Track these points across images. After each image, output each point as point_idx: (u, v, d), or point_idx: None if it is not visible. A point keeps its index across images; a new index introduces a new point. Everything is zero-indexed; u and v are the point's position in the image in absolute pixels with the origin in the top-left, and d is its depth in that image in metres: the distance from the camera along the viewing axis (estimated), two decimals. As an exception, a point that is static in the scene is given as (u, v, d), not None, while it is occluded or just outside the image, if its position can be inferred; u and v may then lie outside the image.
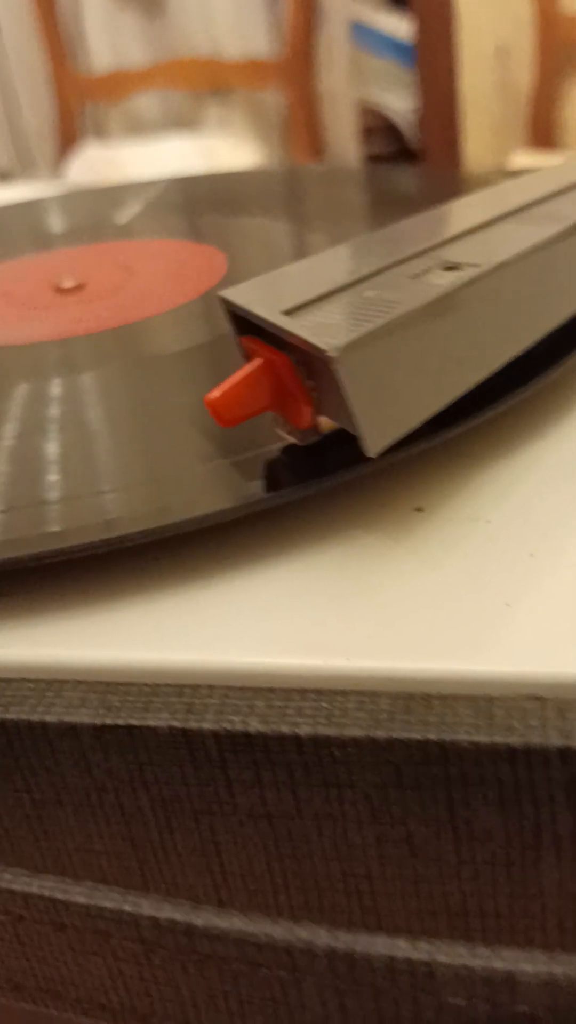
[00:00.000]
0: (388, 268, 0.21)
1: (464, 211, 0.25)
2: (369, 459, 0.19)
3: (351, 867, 0.16)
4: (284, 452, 0.20)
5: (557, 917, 0.16)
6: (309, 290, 0.20)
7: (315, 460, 0.20)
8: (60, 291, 0.32)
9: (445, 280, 0.20)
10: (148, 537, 0.18)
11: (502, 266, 0.20)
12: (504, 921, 0.16)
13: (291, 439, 0.20)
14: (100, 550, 0.18)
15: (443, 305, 0.19)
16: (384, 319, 0.18)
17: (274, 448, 0.21)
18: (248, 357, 0.20)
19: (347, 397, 0.17)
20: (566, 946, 0.16)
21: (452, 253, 0.21)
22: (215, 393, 0.19)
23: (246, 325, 0.20)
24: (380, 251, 0.22)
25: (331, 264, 0.21)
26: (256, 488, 0.19)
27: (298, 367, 0.19)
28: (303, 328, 0.18)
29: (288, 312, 0.19)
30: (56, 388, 0.25)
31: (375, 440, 0.18)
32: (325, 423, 0.20)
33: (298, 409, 0.19)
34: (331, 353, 0.17)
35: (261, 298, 0.20)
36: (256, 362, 0.19)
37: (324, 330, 0.18)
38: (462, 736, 0.15)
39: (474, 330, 0.20)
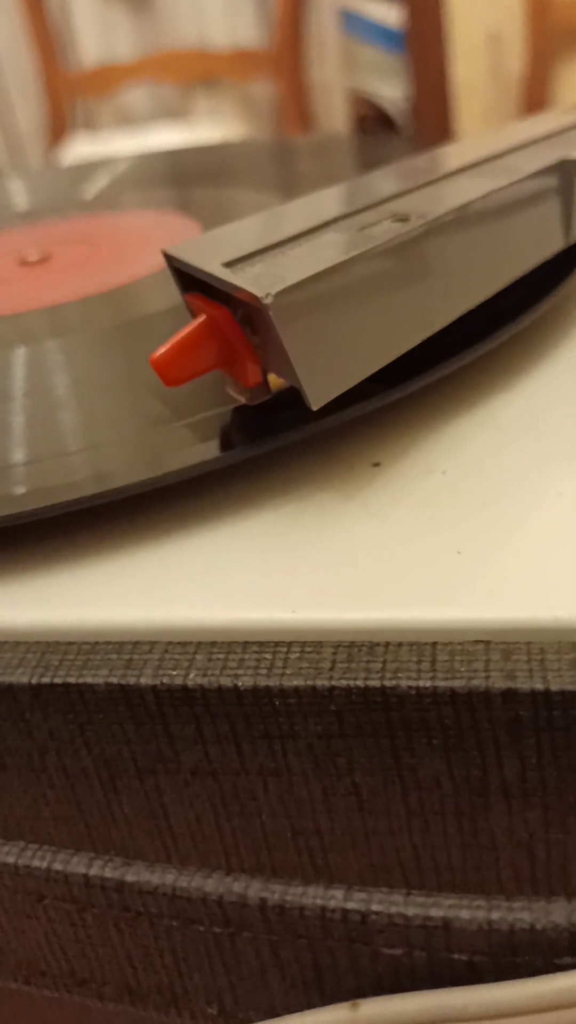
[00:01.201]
0: (339, 220, 0.20)
1: (427, 164, 0.24)
2: (320, 418, 0.19)
3: (300, 823, 0.16)
4: (235, 413, 0.20)
5: (512, 867, 0.15)
6: (255, 243, 0.19)
7: (268, 420, 0.19)
8: (25, 264, 0.32)
9: (392, 230, 0.19)
10: (87, 503, 0.18)
11: (447, 216, 0.20)
12: (458, 874, 0.16)
13: (241, 399, 0.20)
14: (40, 516, 0.18)
15: (386, 254, 0.18)
16: (322, 267, 0.17)
17: (228, 409, 0.20)
18: (194, 314, 0.19)
19: (285, 346, 0.17)
20: (512, 892, 0.15)
21: (405, 205, 0.21)
22: (159, 351, 0.18)
23: (192, 282, 0.19)
24: (334, 204, 0.21)
25: (283, 218, 0.21)
26: (206, 450, 0.19)
27: (243, 323, 0.18)
28: (240, 278, 0.17)
29: (229, 264, 0.18)
30: (16, 358, 0.25)
31: (318, 393, 0.18)
32: (274, 381, 0.19)
33: (244, 366, 0.19)
34: (265, 300, 0.16)
35: (205, 252, 0.19)
36: (200, 319, 0.18)
37: (262, 279, 0.17)
38: (404, 681, 0.14)
39: (423, 282, 0.19)
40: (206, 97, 1.27)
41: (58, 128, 1.27)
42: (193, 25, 1.24)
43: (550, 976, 0.15)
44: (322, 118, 1.27)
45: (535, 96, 1.23)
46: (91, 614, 0.17)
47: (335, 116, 1.28)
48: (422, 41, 1.22)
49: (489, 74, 1.25)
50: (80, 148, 1.11)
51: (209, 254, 0.19)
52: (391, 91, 1.31)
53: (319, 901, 0.16)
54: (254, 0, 1.23)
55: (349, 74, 1.29)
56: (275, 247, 0.19)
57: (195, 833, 0.17)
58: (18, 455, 0.20)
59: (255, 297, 0.17)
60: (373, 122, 1.33)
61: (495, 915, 0.15)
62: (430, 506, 0.18)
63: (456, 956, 0.15)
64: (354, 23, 1.28)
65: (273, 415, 0.19)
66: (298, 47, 1.22)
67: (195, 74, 1.24)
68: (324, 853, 0.16)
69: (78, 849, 0.17)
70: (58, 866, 0.17)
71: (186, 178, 0.43)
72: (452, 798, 0.15)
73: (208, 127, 1.20)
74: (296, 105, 1.22)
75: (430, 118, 1.26)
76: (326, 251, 0.18)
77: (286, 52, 1.21)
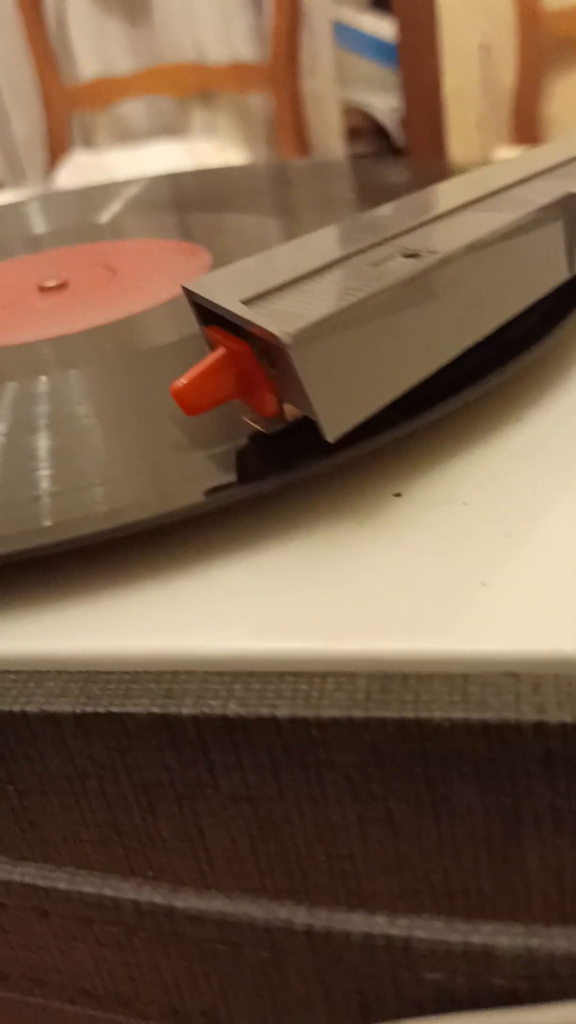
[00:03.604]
0: (351, 256, 0.21)
1: (433, 199, 0.25)
2: (344, 448, 0.19)
3: (334, 848, 0.17)
4: (252, 441, 0.21)
5: (541, 894, 0.16)
6: (270, 279, 0.20)
7: (293, 448, 0.20)
8: (44, 290, 0.32)
9: (404, 267, 0.20)
10: (120, 533, 0.18)
11: (458, 253, 0.20)
12: (487, 898, 0.16)
13: (258, 427, 0.20)
14: (74, 547, 0.18)
15: (399, 291, 0.19)
16: (338, 305, 0.18)
17: (249, 438, 0.21)
18: (212, 347, 0.20)
19: (303, 383, 0.18)
20: (546, 920, 0.16)
21: (414, 241, 0.21)
22: (180, 382, 0.19)
23: (210, 315, 0.20)
24: (345, 240, 0.22)
25: (296, 253, 0.22)
26: (230, 480, 0.19)
27: (260, 356, 0.19)
28: (260, 316, 0.18)
29: (247, 301, 0.19)
30: (38, 387, 0.25)
31: (333, 426, 0.18)
32: (290, 411, 0.20)
33: (262, 397, 0.19)
34: (285, 340, 0.17)
35: (223, 288, 0.20)
36: (219, 351, 0.19)
37: (280, 317, 0.18)
38: (438, 713, 0.15)
39: (433, 316, 0.20)
40: (202, 110, 1.28)
41: (56, 142, 1.27)
42: (189, 39, 1.25)
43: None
44: (316, 130, 1.28)
45: (527, 107, 1.24)
46: (130, 643, 0.17)
47: (329, 128, 1.29)
48: (414, 53, 1.23)
49: (481, 85, 1.25)
50: (78, 162, 1.11)
51: (227, 290, 0.20)
52: (384, 102, 1.32)
53: (363, 927, 0.16)
54: (249, 14, 1.23)
55: (342, 86, 1.30)
56: (290, 284, 0.20)
57: (231, 856, 0.17)
58: (49, 485, 0.20)
59: (275, 335, 0.17)
60: (367, 133, 1.34)
61: (535, 942, 0.16)
62: (454, 537, 0.19)
63: (497, 981, 0.16)
64: (347, 36, 1.29)
65: (298, 443, 0.20)
66: (293, 60, 1.22)
67: (191, 87, 1.24)
68: (357, 877, 0.17)
69: (122, 874, 0.18)
70: (108, 891, 0.18)
71: (198, 203, 0.44)
72: (484, 826, 0.16)
73: (205, 139, 1.20)
74: (291, 117, 1.23)
75: (423, 129, 1.27)
76: (341, 288, 0.19)
77: (281, 65, 1.22)
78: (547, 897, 0.16)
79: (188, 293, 0.20)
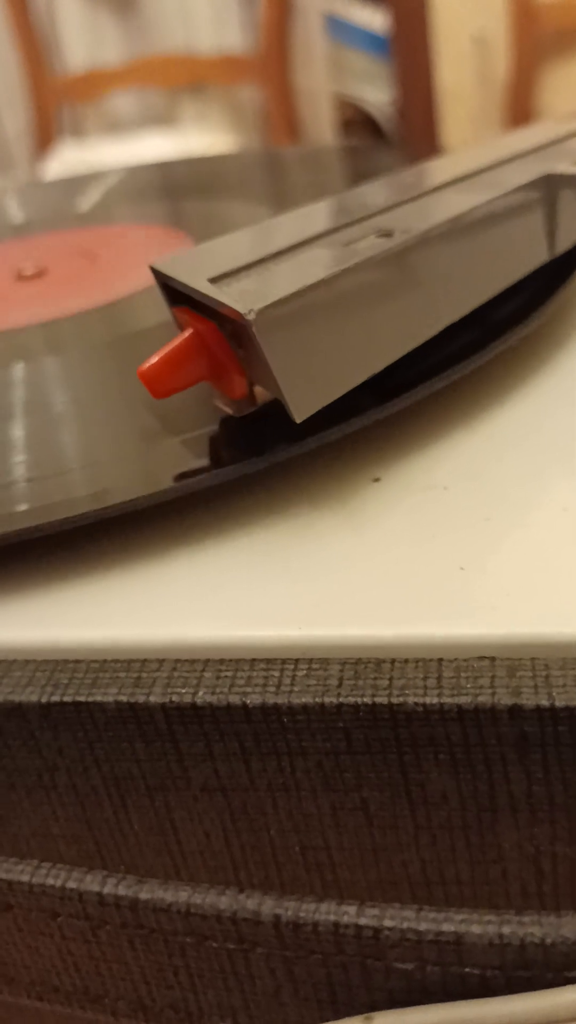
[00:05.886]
0: (324, 236, 0.20)
1: (412, 179, 0.24)
2: (317, 432, 0.19)
3: (309, 839, 0.16)
4: (225, 426, 0.20)
5: (520, 882, 0.16)
6: (240, 258, 0.19)
7: (269, 434, 0.20)
8: (22, 279, 0.32)
9: (375, 246, 0.19)
10: (90, 519, 0.18)
11: (431, 232, 0.20)
12: (466, 888, 0.16)
13: (228, 411, 0.20)
14: (42, 534, 0.18)
15: (368, 270, 0.19)
16: (305, 283, 0.18)
17: (225, 424, 0.20)
18: (181, 328, 0.19)
19: (268, 362, 0.17)
20: (519, 907, 0.16)
21: (390, 220, 0.21)
22: (146, 364, 0.18)
23: (179, 295, 0.20)
24: (321, 219, 0.22)
25: (270, 233, 0.21)
26: (201, 466, 0.19)
27: (229, 336, 0.18)
28: (225, 294, 0.18)
29: (215, 279, 0.19)
30: (15, 374, 0.25)
31: (301, 406, 0.18)
32: (261, 394, 0.19)
33: (231, 379, 0.19)
34: (248, 317, 0.17)
35: (191, 267, 0.19)
36: (186, 332, 0.19)
37: (246, 295, 0.18)
38: (412, 698, 0.15)
39: (406, 296, 0.20)
40: (193, 102, 1.27)
41: (45, 134, 1.27)
42: (179, 30, 1.24)
43: (563, 989, 0.15)
44: (308, 123, 1.28)
45: (521, 100, 1.23)
46: (99, 632, 0.17)
47: (321, 121, 1.28)
48: (407, 46, 1.23)
49: (475, 78, 1.25)
50: (67, 155, 1.11)
51: (195, 269, 0.19)
52: (377, 96, 1.31)
53: (332, 917, 0.16)
54: (240, 5, 1.23)
55: (335, 79, 1.30)
56: (260, 262, 0.19)
57: (204, 849, 0.17)
58: (16, 472, 0.20)
59: (239, 313, 0.17)
60: (359, 127, 1.33)
61: (506, 930, 0.15)
62: (432, 522, 0.18)
63: (468, 970, 0.16)
64: (340, 28, 1.29)
65: (273, 428, 0.20)
66: (284, 52, 1.22)
67: (182, 79, 1.24)
68: (333, 868, 0.16)
69: (89, 867, 0.17)
70: (72, 884, 0.17)
71: (179, 191, 0.43)
72: (459, 813, 0.15)
73: (195, 132, 1.20)
74: (282, 110, 1.23)
75: (416, 122, 1.26)
76: (310, 267, 0.19)
77: (272, 57, 1.21)
78: (524, 884, 0.15)
79: (156, 273, 0.20)
